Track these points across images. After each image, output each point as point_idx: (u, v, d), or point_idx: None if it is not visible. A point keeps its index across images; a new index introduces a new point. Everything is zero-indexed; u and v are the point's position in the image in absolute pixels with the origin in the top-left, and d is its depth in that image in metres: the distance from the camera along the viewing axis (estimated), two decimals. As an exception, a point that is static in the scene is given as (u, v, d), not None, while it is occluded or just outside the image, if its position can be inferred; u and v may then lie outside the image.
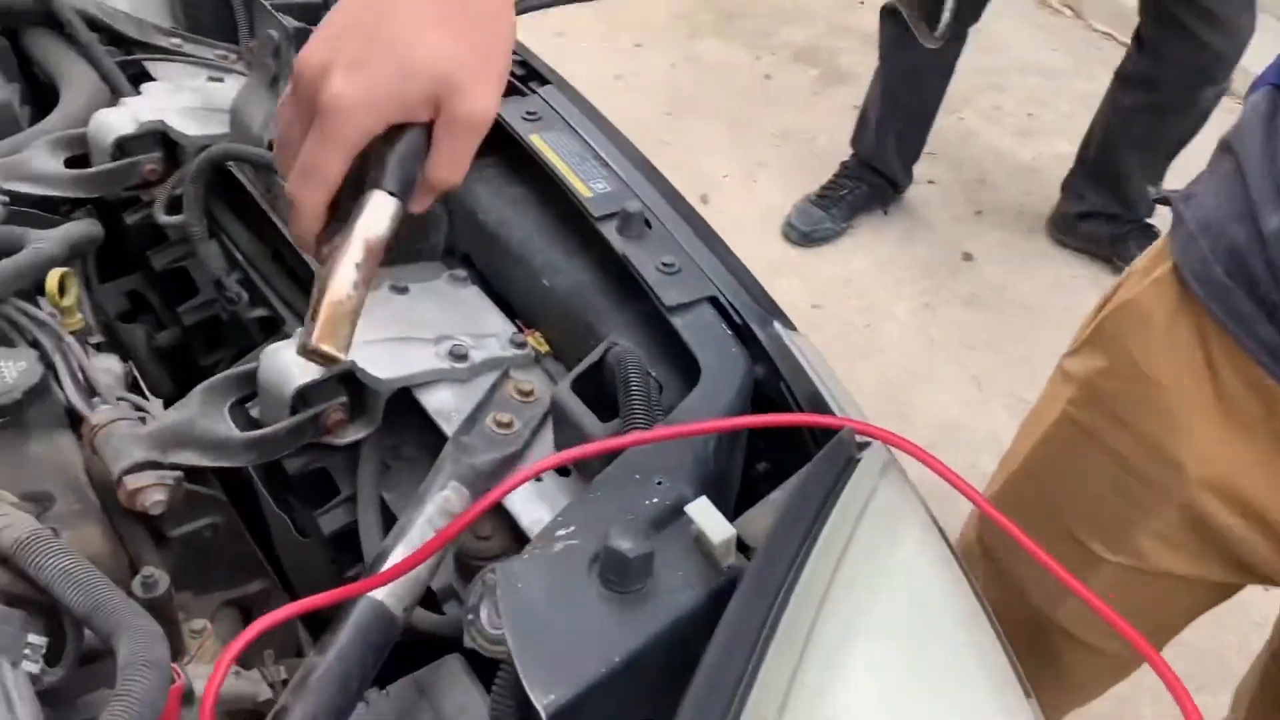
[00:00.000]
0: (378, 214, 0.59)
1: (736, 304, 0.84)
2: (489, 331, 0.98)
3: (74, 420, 0.93)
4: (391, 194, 0.59)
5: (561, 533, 0.65)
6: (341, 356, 0.58)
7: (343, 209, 0.61)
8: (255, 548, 0.97)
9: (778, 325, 0.83)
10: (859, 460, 0.69)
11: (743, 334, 0.83)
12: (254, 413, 0.96)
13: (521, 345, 0.97)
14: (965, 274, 2.84)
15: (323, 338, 0.57)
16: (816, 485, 0.65)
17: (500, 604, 0.58)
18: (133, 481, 0.82)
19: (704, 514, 0.65)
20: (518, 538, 0.85)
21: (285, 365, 0.90)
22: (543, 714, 0.53)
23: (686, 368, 0.83)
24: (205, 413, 0.89)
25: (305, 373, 0.90)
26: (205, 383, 0.91)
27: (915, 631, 0.59)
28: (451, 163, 0.62)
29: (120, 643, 0.64)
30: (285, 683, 0.88)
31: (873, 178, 2.91)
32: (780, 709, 0.51)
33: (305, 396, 0.90)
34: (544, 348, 0.98)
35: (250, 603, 0.99)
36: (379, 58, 0.59)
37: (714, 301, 0.84)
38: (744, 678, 0.52)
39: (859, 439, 0.72)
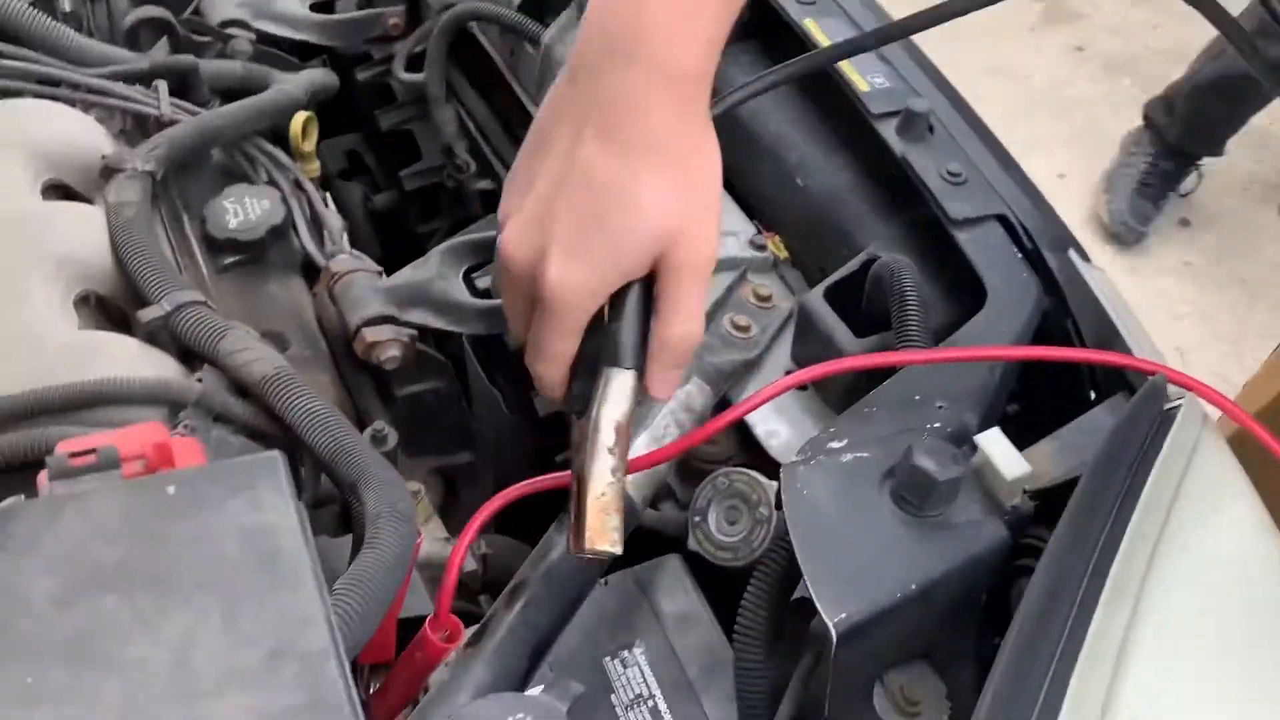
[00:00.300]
0: (618, 394, 0.55)
1: (1028, 226, 0.76)
2: (728, 229, 0.92)
3: (304, 268, 0.92)
4: (628, 369, 0.56)
5: (834, 445, 0.60)
6: (618, 551, 0.56)
7: (584, 364, 0.57)
8: (470, 418, 0.95)
9: (1073, 254, 0.75)
10: (1175, 411, 0.61)
11: (1032, 259, 0.75)
12: (480, 283, 0.93)
13: (761, 248, 0.91)
14: (1179, 240, 2.63)
15: (594, 538, 0.54)
16: (1130, 434, 0.58)
17: (786, 508, 0.53)
18: (371, 334, 0.80)
19: (997, 446, 0.59)
20: (746, 446, 0.81)
21: (524, 236, 0.87)
22: (832, 632, 0.49)
23: (960, 289, 0.76)
24: (442, 275, 0.86)
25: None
26: (443, 245, 0.89)
27: (1244, 595, 0.53)
28: (687, 317, 0.56)
29: (367, 492, 0.62)
30: (485, 558, 0.87)
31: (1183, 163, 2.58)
32: (1115, 666, 0.45)
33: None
34: (783, 253, 0.92)
35: (456, 473, 0.98)
36: (594, 237, 0.53)
37: (1003, 220, 0.76)
38: (1066, 631, 0.46)
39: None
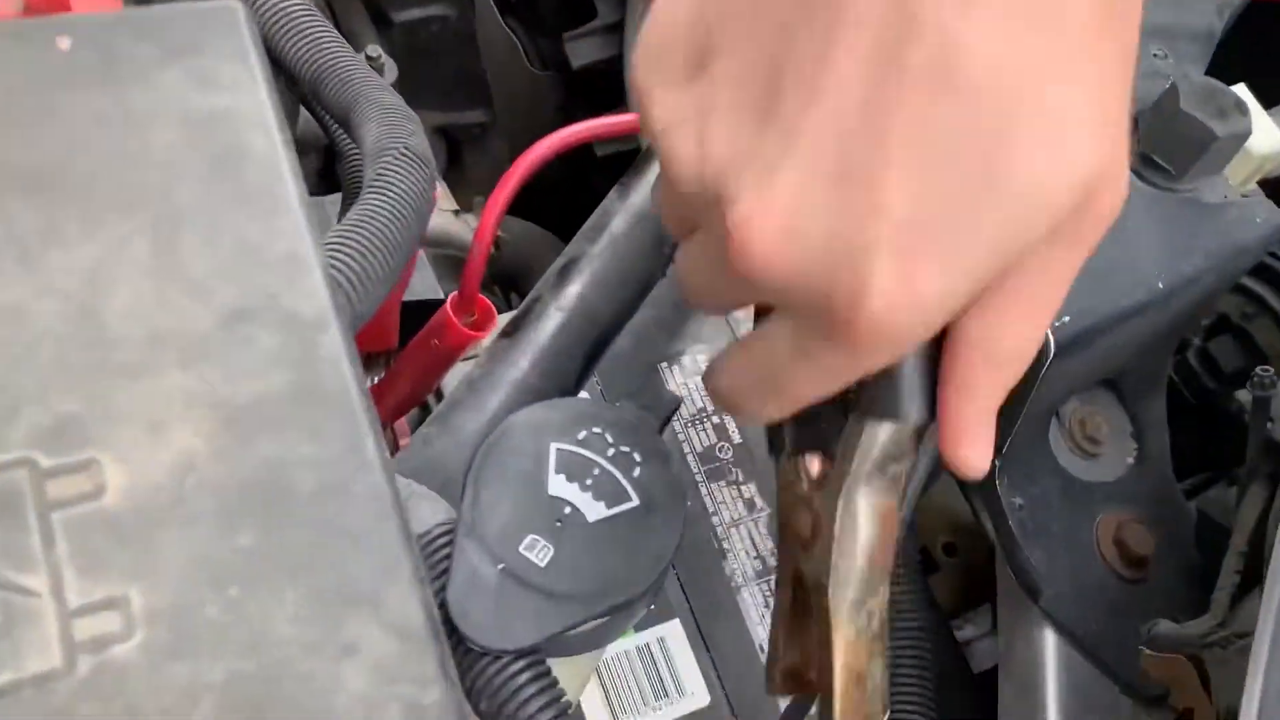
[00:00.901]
0: (877, 455, 0.27)
1: None
2: None
3: None
4: (909, 425, 0.27)
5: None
6: None
7: None
8: (484, 66, 0.76)
9: None
10: None
11: None
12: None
13: None
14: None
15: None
16: None
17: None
18: (363, -75, 0.60)
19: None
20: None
21: None
22: (1050, 342, 0.34)
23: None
24: None
25: None
26: None
27: None
28: (1042, 315, 0.27)
29: (367, 123, 0.45)
30: (498, 242, 0.71)
31: None
32: None
33: None
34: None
35: (462, 135, 0.80)
36: (974, 205, 0.24)
37: None
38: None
39: None
